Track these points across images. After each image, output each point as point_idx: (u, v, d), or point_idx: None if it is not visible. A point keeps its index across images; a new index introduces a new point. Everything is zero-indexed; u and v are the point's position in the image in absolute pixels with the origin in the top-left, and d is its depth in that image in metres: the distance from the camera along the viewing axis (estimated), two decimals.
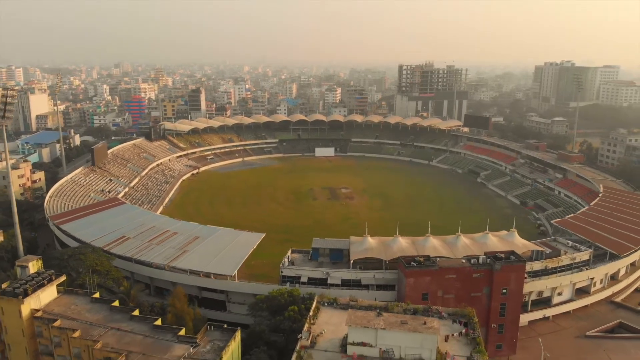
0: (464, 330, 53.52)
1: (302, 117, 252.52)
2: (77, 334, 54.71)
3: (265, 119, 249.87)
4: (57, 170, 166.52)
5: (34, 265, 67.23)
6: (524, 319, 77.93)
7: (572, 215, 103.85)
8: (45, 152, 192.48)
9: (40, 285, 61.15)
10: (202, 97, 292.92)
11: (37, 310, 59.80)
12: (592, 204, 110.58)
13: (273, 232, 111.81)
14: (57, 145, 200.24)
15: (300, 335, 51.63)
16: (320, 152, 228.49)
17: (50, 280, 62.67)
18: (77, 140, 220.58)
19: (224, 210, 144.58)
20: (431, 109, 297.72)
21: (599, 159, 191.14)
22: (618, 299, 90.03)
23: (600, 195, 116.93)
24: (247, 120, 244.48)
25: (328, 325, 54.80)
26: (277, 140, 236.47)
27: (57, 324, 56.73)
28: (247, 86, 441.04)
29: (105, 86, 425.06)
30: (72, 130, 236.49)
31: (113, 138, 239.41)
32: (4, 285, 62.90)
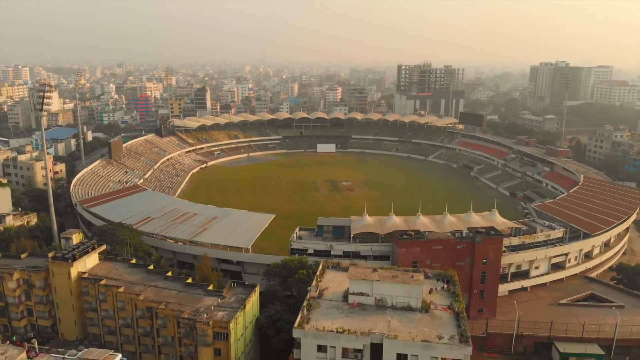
0: (445, 286, 63.95)
1: (304, 114, 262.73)
2: (121, 289, 65.16)
3: (269, 116, 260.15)
4: (75, 163, 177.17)
5: (76, 237, 77.81)
6: (504, 288, 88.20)
7: (551, 200, 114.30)
8: (61, 147, 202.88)
9: (85, 252, 71.70)
10: (208, 95, 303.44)
11: (84, 273, 70.28)
12: (570, 191, 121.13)
13: (280, 219, 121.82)
14: (72, 141, 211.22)
15: (309, 288, 62.00)
16: (322, 148, 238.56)
17: (93, 249, 73.32)
18: (89, 136, 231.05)
19: (233, 199, 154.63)
20: (429, 108, 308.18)
21: (587, 154, 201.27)
22: (592, 275, 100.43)
23: (580, 184, 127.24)
24: (251, 118, 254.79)
25: (332, 282, 65.17)
26: (280, 137, 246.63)
27: (103, 282, 67.15)
28: (249, 85, 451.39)
29: (112, 85, 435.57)
30: (84, 127, 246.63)
31: (123, 135, 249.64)
32: (50, 255, 73.56)
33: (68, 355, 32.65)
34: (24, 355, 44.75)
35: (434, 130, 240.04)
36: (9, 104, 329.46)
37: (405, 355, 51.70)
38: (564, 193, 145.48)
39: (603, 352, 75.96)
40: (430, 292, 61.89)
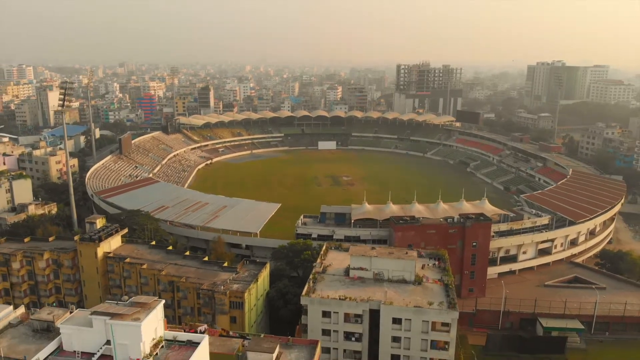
0: (437, 263, 70.94)
1: (305, 112, 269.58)
2: (145, 266, 72.06)
3: (271, 114, 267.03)
4: (85, 158, 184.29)
5: (100, 222, 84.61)
6: (494, 271, 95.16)
7: (540, 191, 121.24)
8: (70, 143, 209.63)
9: (110, 235, 78.63)
10: (211, 94, 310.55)
11: (109, 253, 77.20)
12: (559, 183, 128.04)
13: (283, 211, 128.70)
14: (81, 138, 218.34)
15: (314, 264, 68.98)
16: (323, 145, 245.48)
17: (117, 231, 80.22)
18: (97, 133, 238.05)
19: (239, 193, 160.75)
20: (427, 106, 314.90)
21: (580, 150, 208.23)
22: (577, 260, 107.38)
23: (568, 177, 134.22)
24: (254, 116, 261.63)
25: (335, 260, 72.21)
26: (282, 134, 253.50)
27: (127, 260, 74.07)
28: (251, 85, 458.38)
29: (115, 84, 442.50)
30: (92, 124, 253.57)
31: (128, 132, 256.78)
32: (76, 237, 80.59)
33: (121, 301, 39.19)
34: (67, 315, 51.50)
35: (432, 128, 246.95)
36: (15, 102, 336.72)
37: (400, 320, 58.63)
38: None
39: (583, 327, 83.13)
40: (422, 268, 68.84)
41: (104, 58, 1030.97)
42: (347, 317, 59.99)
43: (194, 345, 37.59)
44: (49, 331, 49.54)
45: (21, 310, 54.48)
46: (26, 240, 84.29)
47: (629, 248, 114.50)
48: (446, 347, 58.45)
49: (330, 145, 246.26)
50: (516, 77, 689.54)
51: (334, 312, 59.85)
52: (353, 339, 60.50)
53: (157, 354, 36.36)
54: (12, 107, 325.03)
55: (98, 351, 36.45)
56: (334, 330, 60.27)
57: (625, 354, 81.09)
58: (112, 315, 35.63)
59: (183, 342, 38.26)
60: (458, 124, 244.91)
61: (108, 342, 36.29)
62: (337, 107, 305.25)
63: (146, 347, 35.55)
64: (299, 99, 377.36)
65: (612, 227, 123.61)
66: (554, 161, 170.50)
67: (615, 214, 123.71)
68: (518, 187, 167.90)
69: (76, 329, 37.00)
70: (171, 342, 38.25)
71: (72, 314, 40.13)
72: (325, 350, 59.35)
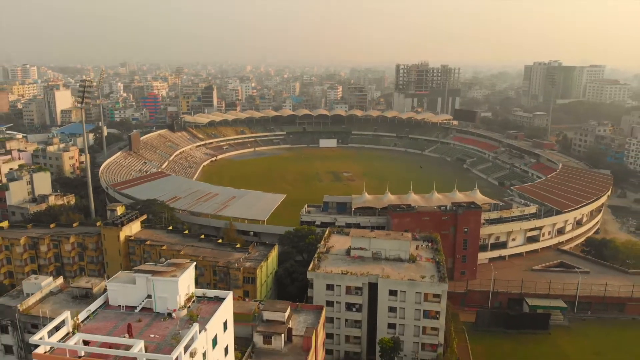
0: (430, 244, 77.94)
1: (307, 111, 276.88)
2: (165, 247, 79.06)
3: (273, 113, 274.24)
4: (95, 155, 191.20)
5: (120, 209, 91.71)
6: (485, 256, 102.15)
7: (529, 184, 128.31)
8: (80, 140, 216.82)
9: (131, 220, 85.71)
10: (214, 94, 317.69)
11: (130, 236, 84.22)
12: (548, 176, 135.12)
13: (286, 204, 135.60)
14: (90, 135, 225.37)
15: (318, 245, 76.01)
16: (324, 143, 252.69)
17: (137, 217, 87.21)
18: (104, 131, 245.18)
19: (244, 188, 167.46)
20: (426, 106, 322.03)
21: (573, 147, 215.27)
22: (564, 248, 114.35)
23: (557, 170, 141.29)
24: (257, 115, 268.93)
25: (337, 243, 79.25)
26: (284, 132, 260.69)
27: (148, 242, 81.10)
28: (252, 84, 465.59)
29: (119, 84, 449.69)
30: (99, 123, 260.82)
31: (137, 130, 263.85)
32: (98, 223, 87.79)
33: (158, 263, 45.84)
34: (103, 284, 58.46)
35: (430, 126, 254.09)
36: (22, 101, 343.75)
37: (395, 292, 65.67)
38: None
39: (566, 306, 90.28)
40: (417, 248, 75.90)
41: (104, 58, 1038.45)
42: (348, 290, 66.97)
43: (220, 300, 44.40)
44: (87, 297, 56.69)
45: (60, 280, 61.62)
46: (52, 226, 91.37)
47: (613, 237, 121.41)
48: (437, 316, 65.42)
49: (331, 143, 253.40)
50: (515, 77, 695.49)
51: (337, 285, 66.84)
52: (354, 309, 67.50)
53: (189, 306, 43.15)
54: (19, 106, 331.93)
55: (140, 304, 43.23)
56: (336, 302, 67.26)
57: (606, 331, 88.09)
58: (154, 273, 42.47)
59: (211, 297, 45.09)
60: (455, 123, 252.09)
61: (149, 296, 43.03)
62: (338, 106, 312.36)
63: (181, 299, 42.31)
64: (300, 99, 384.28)
65: (599, 217, 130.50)
66: (547, 157, 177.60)
67: (602, 205, 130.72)
68: (512, 182, 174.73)
69: (121, 286, 43.79)
70: (201, 298, 45.08)
71: (111, 277, 46.83)
72: (329, 319, 66.35)
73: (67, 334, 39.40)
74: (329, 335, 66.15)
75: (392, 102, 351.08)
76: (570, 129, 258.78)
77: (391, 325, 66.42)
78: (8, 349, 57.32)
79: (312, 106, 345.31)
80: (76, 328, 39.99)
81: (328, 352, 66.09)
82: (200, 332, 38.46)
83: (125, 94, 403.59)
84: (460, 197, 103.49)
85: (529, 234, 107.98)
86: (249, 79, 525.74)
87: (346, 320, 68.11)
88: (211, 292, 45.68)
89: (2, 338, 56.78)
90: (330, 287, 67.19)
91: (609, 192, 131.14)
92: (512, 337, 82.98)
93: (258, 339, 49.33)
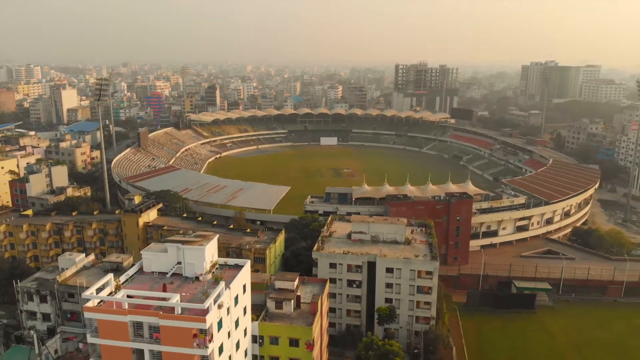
0: (424, 229, 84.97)
1: (308, 110, 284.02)
2: (181, 232, 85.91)
3: (275, 112, 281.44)
4: (105, 151, 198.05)
5: (137, 198, 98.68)
6: (477, 244, 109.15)
7: (520, 177, 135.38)
8: (88, 138, 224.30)
9: (148, 207, 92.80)
10: (217, 93, 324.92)
11: (148, 222, 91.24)
12: (538, 170, 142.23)
13: (289, 198, 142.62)
14: (97, 133, 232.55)
15: (322, 230, 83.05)
16: (325, 141, 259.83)
17: (154, 205, 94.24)
18: (112, 129, 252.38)
19: None
20: (424, 105, 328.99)
21: (566, 144, 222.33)
22: (552, 237, 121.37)
23: (548, 165, 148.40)
24: (260, 113, 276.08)
25: (339, 228, 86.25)
26: (286, 131, 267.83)
27: (165, 227, 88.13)
28: (254, 84, 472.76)
29: (123, 84, 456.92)
30: (106, 121, 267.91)
31: (145, 128, 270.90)
32: (117, 211, 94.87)
33: (187, 235, 52.74)
34: (131, 259, 65.59)
35: (428, 125, 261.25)
36: (28, 100, 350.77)
37: (392, 269, 72.63)
38: None
39: (551, 287, 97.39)
40: (412, 232, 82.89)
41: (104, 58, 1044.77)
42: (349, 268, 73.95)
43: (239, 267, 51.46)
44: (117, 270, 63.68)
45: (91, 256, 68.72)
46: (74, 214, 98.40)
47: (598, 227, 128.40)
48: (429, 291, 72.40)
49: (332, 141, 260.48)
50: (513, 77, 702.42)
51: (339, 264, 73.85)
52: (354, 285, 74.50)
53: (213, 272, 50.16)
54: (25, 105, 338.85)
55: (171, 270, 50.22)
56: (339, 279, 74.23)
57: (588, 311, 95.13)
58: (183, 242, 49.50)
59: (231, 265, 52.16)
60: (453, 121, 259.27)
61: (179, 263, 50.06)
62: (338, 105, 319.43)
63: (207, 265, 49.31)
64: (300, 98, 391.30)
65: (587, 209, 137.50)
66: (540, 154, 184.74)
67: (590, 198, 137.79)
68: (506, 177, 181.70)
69: (154, 254, 50.78)
70: (223, 265, 52.13)
71: (147, 246, 53.86)
72: (332, 295, 73.27)
73: (110, 293, 46.45)
74: (331, 309, 73.08)
75: (391, 101, 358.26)
76: (565, 127, 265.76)
77: (388, 300, 73.27)
78: (46, 317, 64.41)
79: (313, 105, 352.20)
80: (118, 288, 47.04)
81: (331, 324, 73.02)
82: (225, 289, 45.53)
83: (129, 94, 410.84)
84: (453, 188, 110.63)
85: (519, 223, 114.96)
86: (250, 78, 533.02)
87: (347, 295, 75.08)
88: (232, 261, 52.84)
89: (41, 307, 63.89)
90: (333, 265, 74.15)
91: (596, 186, 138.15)
92: (500, 316, 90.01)
93: (271, 305, 56.28)
